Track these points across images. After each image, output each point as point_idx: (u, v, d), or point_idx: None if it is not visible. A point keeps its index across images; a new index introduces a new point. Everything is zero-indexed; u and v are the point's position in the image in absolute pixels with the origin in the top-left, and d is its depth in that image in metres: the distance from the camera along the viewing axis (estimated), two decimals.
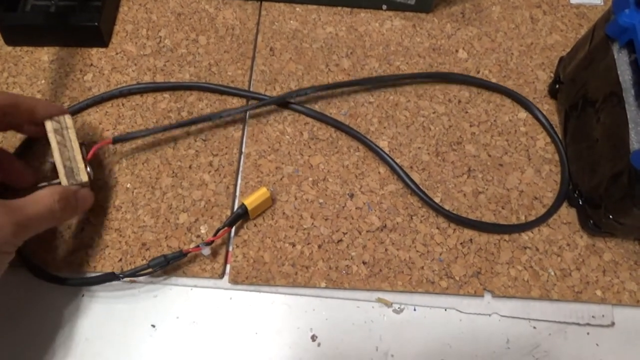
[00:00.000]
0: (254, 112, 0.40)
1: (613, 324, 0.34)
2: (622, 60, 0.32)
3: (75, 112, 0.40)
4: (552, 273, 0.35)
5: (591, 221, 0.35)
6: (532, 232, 0.36)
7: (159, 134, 0.39)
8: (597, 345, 0.33)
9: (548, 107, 0.40)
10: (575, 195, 0.36)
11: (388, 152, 0.38)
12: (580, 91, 0.36)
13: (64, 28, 0.43)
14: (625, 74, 0.32)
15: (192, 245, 0.35)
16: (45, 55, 0.43)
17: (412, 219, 0.36)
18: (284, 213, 0.36)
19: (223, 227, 0.34)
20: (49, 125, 0.33)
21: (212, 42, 0.44)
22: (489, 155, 0.39)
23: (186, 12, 0.45)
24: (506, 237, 0.36)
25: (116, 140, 0.36)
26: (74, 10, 0.43)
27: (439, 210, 0.36)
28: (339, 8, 0.45)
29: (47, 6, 0.44)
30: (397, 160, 0.38)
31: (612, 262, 0.35)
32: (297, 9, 0.45)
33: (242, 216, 0.35)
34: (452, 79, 0.41)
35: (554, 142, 0.39)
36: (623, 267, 0.35)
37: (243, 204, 0.35)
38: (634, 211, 0.30)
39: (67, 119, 0.34)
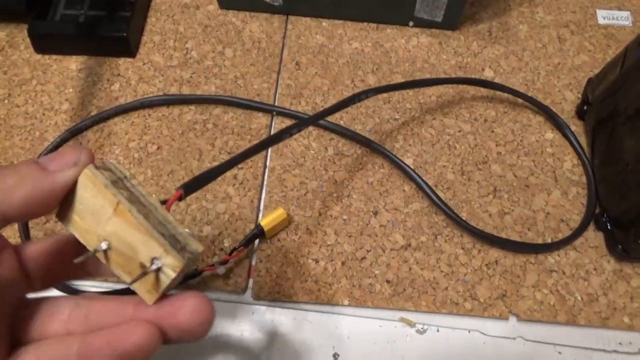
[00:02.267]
0: (280, 126, 0.40)
1: None
2: None
3: (99, 121, 0.41)
4: (579, 298, 0.34)
5: (619, 246, 0.34)
6: (559, 255, 0.35)
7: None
8: None
9: (575, 129, 0.40)
10: (604, 219, 0.36)
11: (414, 169, 0.38)
12: (611, 114, 0.36)
13: (93, 38, 0.43)
14: None
15: (214, 259, 0.35)
16: (73, 64, 0.44)
17: (436, 238, 0.36)
18: (307, 229, 0.36)
19: (239, 247, 0.34)
20: (99, 177, 0.19)
21: (239, 55, 0.44)
22: (515, 176, 0.38)
23: (213, 24, 0.45)
24: (532, 259, 0.35)
25: (187, 191, 0.22)
26: (103, 21, 0.44)
27: (465, 227, 0.36)
28: (365, 24, 0.45)
29: (76, 16, 0.44)
30: (422, 179, 0.38)
31: None
32: (324, 23, 0.45)
33: (258, 236, 0.35)
34: (490, 86, 0.41)
35: (582, 163, 0.38)
36: None
37: (259, 224, 0.35)
38: None
39: (118, 165, 0.20)
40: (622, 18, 0.45)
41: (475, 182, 0.38)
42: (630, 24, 0.45)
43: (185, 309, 0.18)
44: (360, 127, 0.40)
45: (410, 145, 0.40)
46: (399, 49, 0.44)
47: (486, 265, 0.35)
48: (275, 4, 0.44)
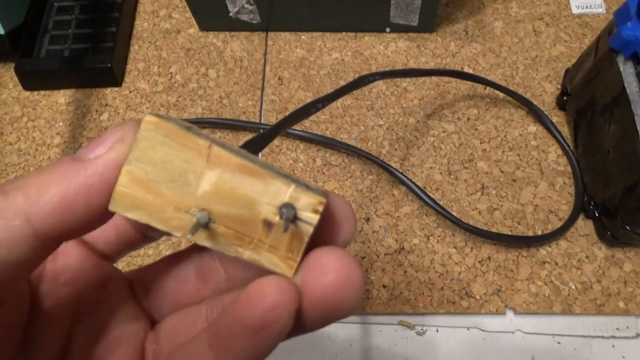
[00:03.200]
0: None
1: (638, 335, 0.34)
2: (628, 72, 0.32)
3: None
4: (573, 287, 0.35)
5: (609, 232, 0.35)
6: (550, 247, 0.36)
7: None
8: (623, 357, 0.33)
9: (557, 119, 0.41)
10: (591, 207, 0.36)
11: (402, 172, 0.39)
12: (589, 103, 0.36)
13: (79, 70, 0.44)
14: (632, 86, 0.32)
15: None
16: (62, 97, 0.45)
17: (428, 239, 0.37)
18: None
19: None
20: (171, 122, 0.13)
21: (222, 75, 0.45)
22: (502, 171, 0.39)
23: (195, 47, 0.46)
24: (524, 252, 0.36)
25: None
26: (87, 53, 0.45)
27: (457, 224, 0.36)
28: (344, 33, 0.46)
29: (61, 50, 0.45)
30: (412, 181, 0.38)
31: (632, 272, 0.35)
32: (303, 37, 0.46)
33: None
34: (476, 80, 0.41)
35: (565, 154, 0.39)
36: None
37: None
38: None
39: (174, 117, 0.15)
40: (595, 6, 0.45)
41: (462, 180, 0.39)
42: (604, 11, 0.45)
43: (330, 267, 0.13)
44: (346, 135, 0.41)
45: (396, 149, 0.40)
46: (379, 55, 0.45)
47: (479, 262, 0.36)
48: (254, 22, 0.45)
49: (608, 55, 0.34)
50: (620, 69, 0.33)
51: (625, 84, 0.32)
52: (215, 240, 0.13)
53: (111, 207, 0.13)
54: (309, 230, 0.13)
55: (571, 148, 0.39)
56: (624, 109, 0.32)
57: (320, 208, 0.13)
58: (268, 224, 0.13)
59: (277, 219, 0.13)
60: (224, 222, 0.13)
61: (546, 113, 0.40)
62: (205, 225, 0.13)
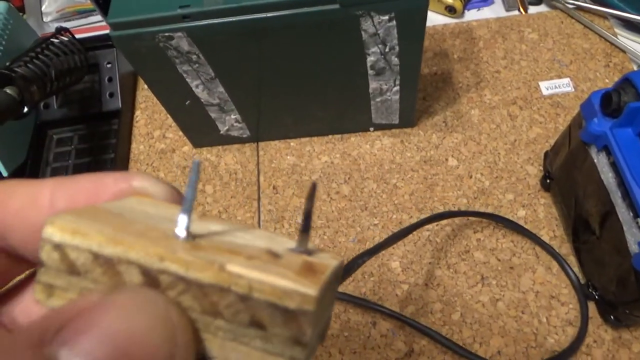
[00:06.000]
0: None
1: None
2: (602, 162, 0.34)
3: None
4: None
5: (611, 316, 0.35)
6: (557, 334, 0.36)
7: None
8: None
9: (544, 201, 0.42)
10: (590, 291, 0.37)
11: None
12: (572, 187, 0.38)
13: None
14: (608, 176, 0.33)
15: None
16: None
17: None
18: None
19: None
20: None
21: (218, 190, 0.46)
22: (498, 260, 0.40)
23: (190, 164, 0.48)
24: (533, 343, 0.36)
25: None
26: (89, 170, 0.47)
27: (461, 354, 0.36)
28: (330, 136, 0.48)
29: (65, 167, 0.48)
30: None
31: None
32: (292, 143, 0.48)
33: None
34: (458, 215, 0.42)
35: (555, 238, 0.40)
36: None
37: None
38: None
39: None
40: (563, 85, 0.48)
41: (462, 273, 0.40)
42: (573, 89, 0.48)
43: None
44: (343, 239, 0.42)
45: (394, 248, 0.41)
46: (366, 154, 0.47)
47: (490, 357, 0.36)
48: (244, 136, 0.48)
49: (581, 147, 0.36)
50: (595, 161, 0.34)
51: (602, 175, 0.34)
52: (195, 250, 0.10)
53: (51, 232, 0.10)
54: (329, 265, 0.11)
55: (538, 237, 0.40)
56: (604, 197, 0.33)
57: (338, 262, 0.12)
58: (273, 254, 0.11)
59: (285, 251, 0.11)
60: (212, 241, 0.11)
61: (530, 202, 0.42)
62: (184, 228, 0.10)
